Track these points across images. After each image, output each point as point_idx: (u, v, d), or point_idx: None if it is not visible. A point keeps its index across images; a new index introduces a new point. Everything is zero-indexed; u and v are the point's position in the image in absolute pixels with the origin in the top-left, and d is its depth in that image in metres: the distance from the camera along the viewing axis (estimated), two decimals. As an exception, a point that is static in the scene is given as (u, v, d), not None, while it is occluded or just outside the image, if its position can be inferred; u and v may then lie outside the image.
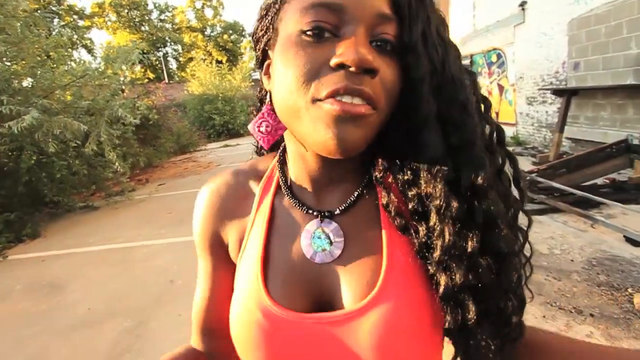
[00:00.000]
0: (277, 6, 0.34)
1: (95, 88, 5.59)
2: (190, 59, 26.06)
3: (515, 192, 0.36)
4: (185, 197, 5.71)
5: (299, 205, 0.39)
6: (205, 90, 16.64)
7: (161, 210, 5.07)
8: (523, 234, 0.35)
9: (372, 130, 0.32)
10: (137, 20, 25.23)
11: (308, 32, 0.30)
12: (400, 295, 0.33)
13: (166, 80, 22.66)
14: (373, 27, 0.30)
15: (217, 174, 0.48)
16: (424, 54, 0.31)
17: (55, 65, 5.32)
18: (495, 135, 0.36)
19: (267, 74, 0.38)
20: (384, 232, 0.36)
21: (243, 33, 30.51)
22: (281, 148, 0.43)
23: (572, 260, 2.32)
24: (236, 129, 16.79)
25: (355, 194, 0.38)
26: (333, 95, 0.29)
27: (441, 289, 0.32)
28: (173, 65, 29.19)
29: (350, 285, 0.35)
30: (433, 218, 0.32)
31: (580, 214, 2.80)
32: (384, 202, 0.36)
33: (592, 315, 1.80)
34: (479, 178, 0.31)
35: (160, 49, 27.03)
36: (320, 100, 0.30)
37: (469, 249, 0.31)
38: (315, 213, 0.38)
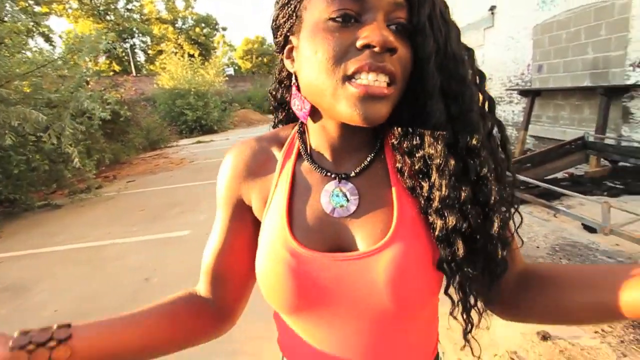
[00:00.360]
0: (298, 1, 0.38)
1: (58, 79, 5.23)
2: (160, 52, 25.00)
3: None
4: (157, 194, 5.50)
5: (318, 169, 0.44)
6: (177, 85, 16.04)
7: (132, 207, 4.85)
8: (509, 189, 0.40)
9: (392, 104, 0.37)
10: (101, 8, 23.79)
11: (337, 19, 0.34)
12: (409, 241, 0.38)
13: (134, 73, 21.62)
14: (389, 13, 0.35)
15: (241, 139, 0.51)
16: (430, 34, 0.35)
17: (9, 54, 4.91)
18: (487, 104, 0.41)
19: (289, 57, 0.42)
20: (394, 191, 0.41)
21: (216, 27, 29.74)
22: (298, 124, 0.48)
23: (538, 247, 2.49)
24: (209, 125, 16.34)
25: (369, 158, 0.43)
26: (360, 71, 0.34)
27: (436, 232, 0.38)
28: (141, 57, 27.87)
29: (365, 234, 0.40)
30: (434, 175, 0.38)
31: (544, 205, 3.01)
32: (398, 166, 0.41)
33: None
34: (474, 140, 0.37)
35: (127, 41, 25.70)
36: (349, 78, 0.34)
37: (462, 199, 0.37)
38: (333, 175, 0.43)
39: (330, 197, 0.42)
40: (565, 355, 1.54)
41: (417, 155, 0.39)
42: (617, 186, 3.61)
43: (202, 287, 0.50)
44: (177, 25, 28.12)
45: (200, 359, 1.78)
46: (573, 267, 0.41)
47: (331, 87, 0.35)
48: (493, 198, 0.37)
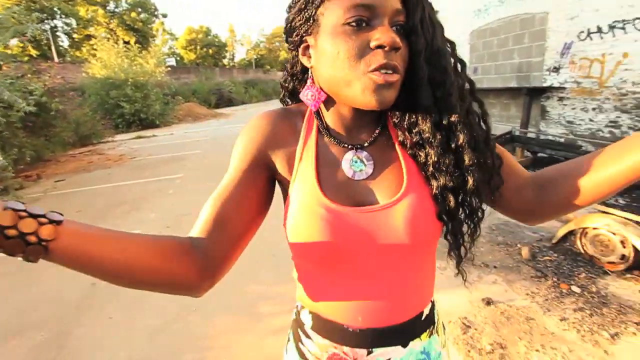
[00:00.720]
0: (316, 4, 0.45)
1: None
2: (88, 37, 22.33)
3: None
4: (95, 194, 4.98)
5: (337, 142, 0.51)
6: (110, 74, 14.53)
7: (65, 209, 4.32)
8: (489, 152, 0.49)
9: (397, 91, 0.45)
10: (10, -19, 20.41)
11: (352, 23, 0.42)
12: (418, 193, 0.48)
13: (56, 59, 19.05)
14: (392, 18, 0.43)
15: (273, 109, 0.54)
16: (421, 34, 0.44)
17: None
18: (467, 86, 0.49)
19: (305, 54, 0.49)
20: (400, 156, 0.50)
21: (155, 13, 27.41)
22: (311, 115, 0.55)
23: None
24: (150, 118, 15.11)
25: (377, 132, 0.52)
26: (379, 68, 0.42)
27: (433, 190, 0.48)
28: (64, 42, 24.60)
29: (382, 191, 0.49)
30: (426, 146, 0.47)
31: (482, 192, 3.37)
32: (400, 139, 0.51)
33: (495, 267, 2.22)
34: (452, 118, 0.46)
35: (46, 22, 22.46)
36: (370, 72, 0.42)
37: (447, 164, 0.46)
38: (350, 146, 0.51)
39: (350, 164, 0.50)
40: (505, 315, 1.78)
41: (413, 131, 0.48)
42: (538, 174, 4.18)
43: (196, 233, 0.48)
44: (108, 7, 25.33)
45: (172, 356, 1.71)
46: (573, 162, 0.49)
47: (354, 79, 0.43)
48: (468, 162, 0.46)
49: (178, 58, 40.45)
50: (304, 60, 0.49)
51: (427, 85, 0.45)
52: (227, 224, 0.48)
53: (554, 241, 2.39)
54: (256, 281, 2.32)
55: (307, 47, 0.48)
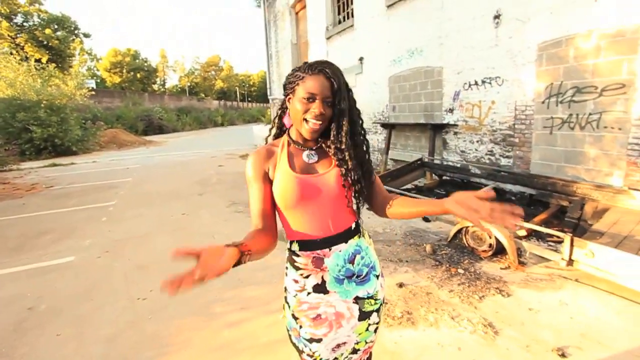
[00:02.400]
0: (295, 84, 0.91)
1: None
2: (-13, 51, 19.55)
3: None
4: (10, 224, 4.50)
5: (299, 147, 0.97)
6: (18, 94, 12.92)
7: (-27, 241, 3.85)
8: (367, 158, 0.99)
9: (321, 130, 0.92)
10: None
11: (305, 99, 0.88)
12: (337, 170, 0.93)
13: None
14: (324, 99, 0.88)
15: (256, 149, 0.98)
16: (340, 106, 0.89)
17: None
18: (363, 130, 0.99)
19: (288, 101, 0.95)
20: (331, 154, 0.95)
21: (75, 31, 25.38)
22: (285, 135, 1.01)
23: (396, 234, 3.45)
24: (66, 145, 13.65)
25: (318, 144, 0.98)
26: (309, 119, 0.89)
27: (349, 180, 0.93)
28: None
29: (323, 167, 0.95)
30: (345, 154, 0.93)
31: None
32: (331, 148, 0.95)
33: (407, 261, 2.82)
34: (354, 138, 0.95)
35: None
36: (305, 120, 0.90)
37: (351, 162, 0.92)
38: (306, 149, 0.97)
39: (307, 156, 0.96)
40: (412, 292, 2.34)
41: (338, 153, 0.93)
42: (442, 192, 5.17)
43: (258, 225, 0.90)
44: (15, 20, 22.73)
45: (132, 356, 1.83)
46: (406, 198, 0.99)
47: (299, 123, 0.91)
48: (368, 172, 0.97)
49: (99, 80, 37.39)
50: (288, 104, 0.96)
51: (343, 129, 0.92)
52: (268, 216, 0.92)
53: (448, 239, 3.12)
54: (207, 289, 2.53)
55: (290, 98, 0.94)
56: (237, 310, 2.23)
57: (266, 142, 1.03)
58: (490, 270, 2.63)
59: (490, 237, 2.79)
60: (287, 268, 1.00)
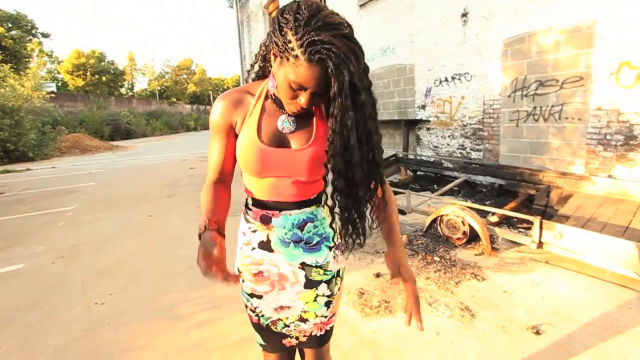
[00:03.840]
0: (288, 51, 0.63)
1: None
2: None
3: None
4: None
5: (277, 106, 0.81)
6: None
7: None
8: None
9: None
10: None
11: (292, 88, 0.68)
12: (318, 147, 0.78)
13: None
14: (316, 91, 0.68)
15: (227, 91, 0.83)
16: (334, 109, 0.66)
17: None
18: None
19: (275, 59, 0.69)
20: (314, 122, 0.80)
21: (33, 31, 23.80)
22: (268, 79, 0.83)
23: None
24: (21, 150, 12.72)
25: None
26: (295, 107, 0.73)
27: (330, 151, 0.72)
28: None
29: (298, 141, 0.80)
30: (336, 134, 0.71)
31: (376, 200, 4.08)
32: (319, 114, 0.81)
33: (384, 252, 2.77)
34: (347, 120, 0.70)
35: None
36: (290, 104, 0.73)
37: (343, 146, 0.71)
38: (283, 111, 0.80)
39: (282, 122, 0.79)
40: (389, 282, 2.28)
41: (329, 117, 0.71)
42: (416, 187, 5.22)
43: (213, 179, 0.85)
44: (-39, 19, 20.97)
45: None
46: (389, 229, 0.88)
47: (284, 100, 0.73)
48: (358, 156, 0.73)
49: (60, 84, 35.23)
50: (272, 58, 0.70)
51: (334, 118, 0.68)
52: (226, 171, 0.86)
53: (423, 229, 3.12)
54: (173, 290, 2.36)
55: (275, 57, 0.68)
56: (207, 310, 2.08)
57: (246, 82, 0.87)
58: (465, 257, 2.65)
59: (464, 225, 2.81)
60: (241, 219, 0.94)
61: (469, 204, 2.89)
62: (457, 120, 5.25)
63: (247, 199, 0.90)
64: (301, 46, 0.61)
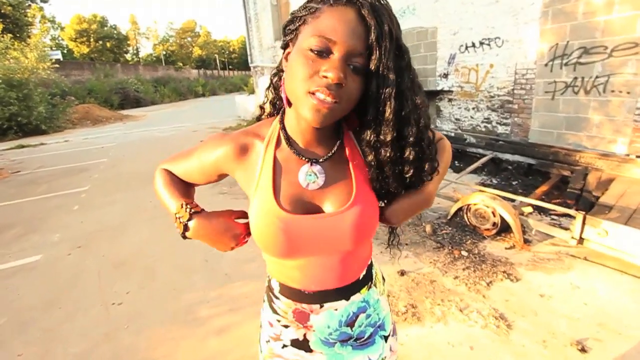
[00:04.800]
0: (301, 21, 0.52)
1: None
2: None
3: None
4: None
5: (296, 153, 0.59)
6: (-30, 70, 11.74)
7: None
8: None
9: (335, 115, 0.51)
10: None
11: (314, 51, 0.48)
12: (364, 204, 0.58)
13: None
14: (349, 57, 0.48)
15: (233, 133, 0.63)
16: (376, 79, 0.50)
17: None
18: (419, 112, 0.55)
19: (286, 59, 0.56)
20: (351, 168, 0.60)
21: (30, -4, 22.79)
22: (279, 116, 0.62)
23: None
24: (34, 123, 12.72)
25: (334, 149, 0.60)
26: (317, 91, 0.48)
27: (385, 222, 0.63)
28: None
29: (332, 200, 0.58)
30: (382, 164, 0.56)
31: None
32: (358, 152, 0.61)
33: (407, 244, 2.64)
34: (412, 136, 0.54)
35: None
36: (311, 92, 0.49)
37: (385, 174, 0.58)
38: (306, 159, 0.59)
39: (305, 176, 0.58)
40: (415, 281, 2.16)
41: (367, 149, 0.56)
42: (437, 164, 4.95)
43: (166, 167, 0.72)
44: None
45: None
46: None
47: (300, 94, 0.49)
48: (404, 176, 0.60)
49: (65, 51, 34.53)
50: (284, 63, 0.56)
51: (381, 118, 0.52)
52: (192, 184, 0.72)
53: (448, 217, 2.94)
54: (191, 289, 2.30)
55: (289, 53, 0.55)
56: (225, 313, 2.01)
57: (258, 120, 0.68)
58: (494, 250, 2.48)
59: (494, 216, 2.61)
60: (264, 300, 0.74)
61: (500, 192, 2.66)
62: (483, 90, 4.82)
63: (270, 281, 0.70)
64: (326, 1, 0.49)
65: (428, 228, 2.82)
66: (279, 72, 0.64)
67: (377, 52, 0.48)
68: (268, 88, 0.66)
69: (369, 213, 0.58)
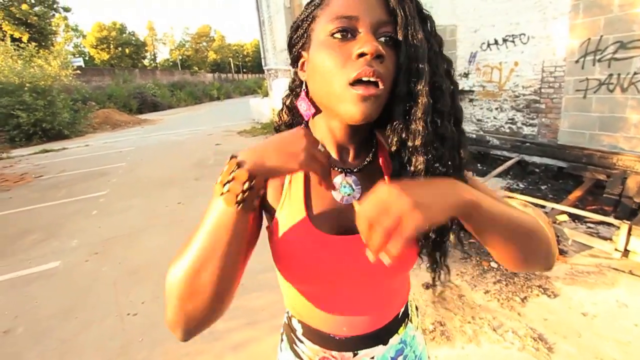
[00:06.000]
0: (309, 20, 0.47)
1: None
2: (-37, 32, 18.42)
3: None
4: (-6, 222, 4.19)
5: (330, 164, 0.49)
6: (-1, 78, 12.25)
7: (-47, 244, 3.56)
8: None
9: (381, 103, 0.43)
10: None
11: (337, 35, 0.42)
12: None
13: None
14: (377, 28, 0.42)
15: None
16: (406, 47, 0.43)
17: None
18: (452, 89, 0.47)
19: (302, 69, 0.50)
20: (387, 180, 0.51)
21: (54, 6, 23.79)
22: (304, 124, 0.53)
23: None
24: (57, 129, 13.14)
25: (367, 159, 0.53)
26: (359, 78, 0.40)
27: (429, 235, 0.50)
28: None
29: None
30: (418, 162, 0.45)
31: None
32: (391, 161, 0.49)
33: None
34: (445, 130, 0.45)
35: None
36: (351, 84, 0.41)
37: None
38: (339, 170, 0.51)
39: (341, 186, 0.50)
40: (442, 295, 2.02)
41: (401, 154, 0.46)
42: (458, 167, 4.75)
43: None
44: (-12, -3, 21.19)
45: None
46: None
47: (338, 89, 0.42)
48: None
49: (87, 58, 35.78)
50: (301, 74, 0.50)
51: (405, 98, 0.44)
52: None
53: (474, 226, 2.77)
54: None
55: (304, 62, 0.49)
56: (242, 327, 1.93)
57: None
58: (528, 263, 2.30)
59: (527, 225, 2.43)
60: (282, 340, 0.64)
61: (530, 198, 2.48)
62: (507, 90, 4.60)
63: (291, 319, 0.60)
64: None
65: (452, 237, 2.66)
66: (292, 92, 0.56)
67: (403, 17, 0.42)
68: (282, 110, 0.58)
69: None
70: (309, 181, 0.51)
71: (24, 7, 21.60)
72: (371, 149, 0.54)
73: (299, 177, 0.51)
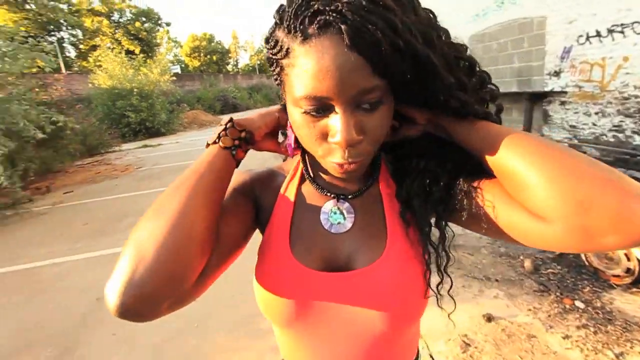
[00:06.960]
0: (277, 66, 0.40)
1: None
2: (94, 47, 22.75)
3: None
4: (101, 205, 5.06)
5: (318, 189, 0.48)
6: (116, 84, 14.75)
7: (73, 221, 4.41)
8: None
9: (366, 163, 0.42)
10: (18, -5, 20.86)
11: (310, 113, 0.37)
12: (401, 261, 0.43)
13: (64, 71, 19.39)
14: (357, 101, 0.35)
15: (259, 168, 0.55)
16: (410, 62, 0.36)
17: None
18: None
19: (283, 91, 0.43)
20: (384, 212, 0.46)
21: (159, 22, 27.78)
22: (301, 150, 0.51)
23: (480, 238, 2.78)
24: (156, 127, 15.33)
25: (368, 183, 0.48)
26: (334, 161, 0.39)
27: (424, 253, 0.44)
28: (71, 52, 25.09)
29: (360, 251, 0.45)
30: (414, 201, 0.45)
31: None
32: (395, 192, 0.48)
33: (497, 280, 2.21)
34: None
35: (52, 33, 22.94)
36: (331, 161, 0.40)
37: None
38: (331, 195, 0.47)
39: (329, 215, 0.47)
40: (506, 332, 1.76)
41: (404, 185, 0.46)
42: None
43: None
44: (113, 18, 25.77)
45: None
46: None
47: (316, 155, 0.41)
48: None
49: (182, 65, 40.97)
50: (281, 91, 0.44)
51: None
52: (222, 236, 0.45)
53: (557, 253, 2.37)
54: (250, 299, 2.33)
55: (282, 91, 0.44)
56: (284, 329, 1.97)
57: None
58: (628, 307, 1.88)
59: (629, 260, 1.98)
60: None
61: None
62: (612, 90, 3.84)
63: None
64: (291, 22, 0.34)
65: (527, 263, 2.31)
66: (284, 106, 0.49)
67: (399, 54, 0.33)
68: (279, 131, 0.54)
69: (409, 268, 0.42)
70: (299, 208, 0.47)
71: (137, 24, 25.69)
72: (372, 172, 0.49)
73: (287, 202, 0.48)
